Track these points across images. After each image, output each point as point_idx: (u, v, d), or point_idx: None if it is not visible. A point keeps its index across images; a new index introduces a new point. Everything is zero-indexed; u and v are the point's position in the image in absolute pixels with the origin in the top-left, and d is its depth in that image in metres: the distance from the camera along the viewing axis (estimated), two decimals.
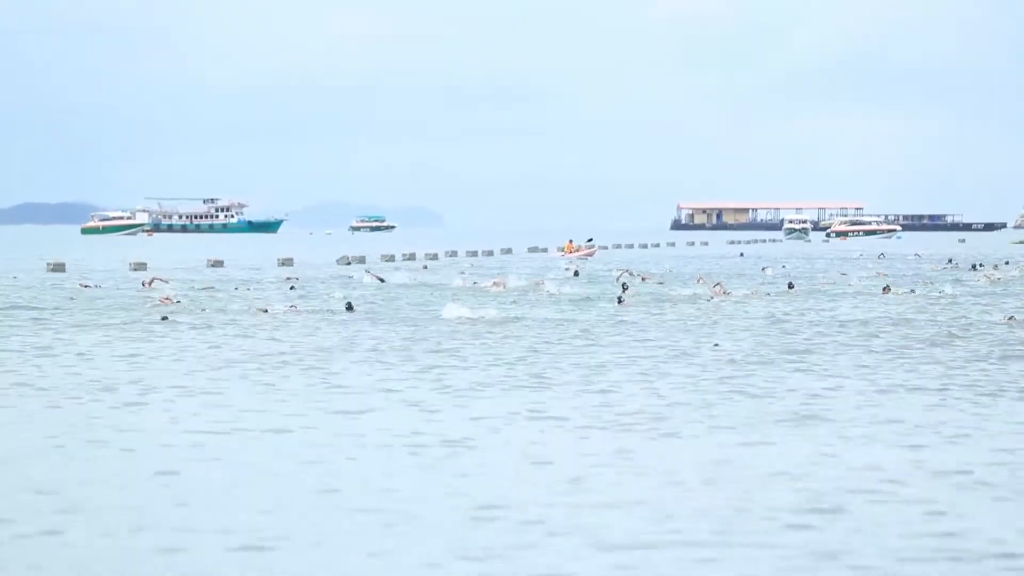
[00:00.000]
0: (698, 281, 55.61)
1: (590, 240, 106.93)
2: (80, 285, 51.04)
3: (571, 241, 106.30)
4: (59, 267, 65.86)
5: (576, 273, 49.22)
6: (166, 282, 51.66)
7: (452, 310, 36.92)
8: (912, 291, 49.07)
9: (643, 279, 59.05)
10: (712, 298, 44.95)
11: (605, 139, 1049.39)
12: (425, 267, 75.20)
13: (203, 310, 39.25)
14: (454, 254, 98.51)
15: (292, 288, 51.53)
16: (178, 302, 41.57)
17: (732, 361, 25.46)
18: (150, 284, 50.96)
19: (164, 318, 36.09)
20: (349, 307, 39.79)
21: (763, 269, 72.92)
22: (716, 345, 28.43)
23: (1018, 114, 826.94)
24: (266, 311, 38.23)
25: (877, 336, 31.17)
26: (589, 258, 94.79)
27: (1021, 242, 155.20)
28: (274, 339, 30.03)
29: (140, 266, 70.20)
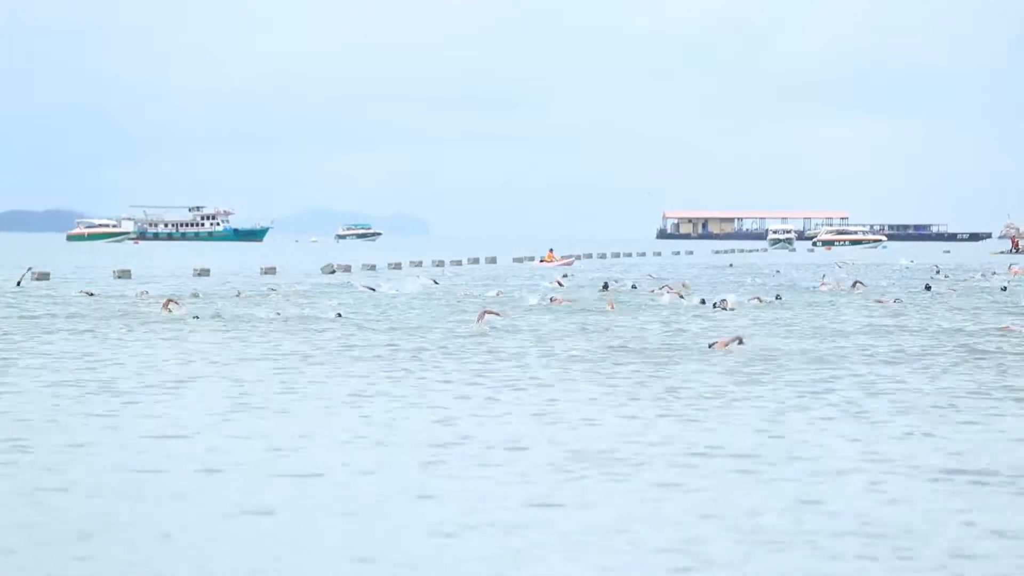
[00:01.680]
0: (683, 285, 57.73)
1: (568, 256, 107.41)
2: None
3: (551, 250, 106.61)
4: (43, 276, 66.06)
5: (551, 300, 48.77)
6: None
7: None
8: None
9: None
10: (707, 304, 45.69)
11: (592, 146, 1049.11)
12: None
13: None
14: (441, 263, 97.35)
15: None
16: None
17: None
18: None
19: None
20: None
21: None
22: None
23: (1005, 124, 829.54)
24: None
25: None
26: (568, 267, 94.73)
27: (1001, 252, 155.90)
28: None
29: (124, 274, 70.36)
